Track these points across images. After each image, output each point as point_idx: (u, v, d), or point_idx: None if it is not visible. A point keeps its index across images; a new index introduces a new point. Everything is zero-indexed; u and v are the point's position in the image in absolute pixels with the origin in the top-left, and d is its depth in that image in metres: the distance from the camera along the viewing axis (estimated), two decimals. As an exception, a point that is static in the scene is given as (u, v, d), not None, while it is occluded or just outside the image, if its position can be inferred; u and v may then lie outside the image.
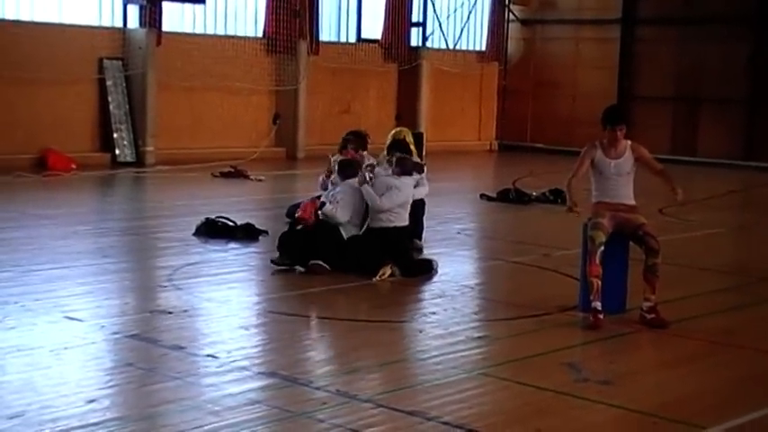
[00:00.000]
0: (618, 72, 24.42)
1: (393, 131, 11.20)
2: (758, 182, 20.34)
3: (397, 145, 10.33)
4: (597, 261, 7.65)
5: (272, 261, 9.32)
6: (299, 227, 9.48)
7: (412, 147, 10.65)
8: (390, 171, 9.63)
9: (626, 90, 24.29)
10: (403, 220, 9.46)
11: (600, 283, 7.61)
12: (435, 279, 9.38)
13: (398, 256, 9.23)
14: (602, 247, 7.66)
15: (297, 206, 10.47)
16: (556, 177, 16.97)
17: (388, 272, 9.05)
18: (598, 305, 7.58)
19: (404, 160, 9.71)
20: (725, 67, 22.89)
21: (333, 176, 10.02)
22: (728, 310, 8.57)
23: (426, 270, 9.38)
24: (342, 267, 9.11)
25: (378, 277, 8.96)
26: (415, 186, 10.08)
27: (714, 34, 22.88)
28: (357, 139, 10.56)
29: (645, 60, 24.13)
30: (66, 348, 6.53)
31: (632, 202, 7.92)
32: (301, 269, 9.14)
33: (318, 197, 9.93)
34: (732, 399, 6.19)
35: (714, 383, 6.45)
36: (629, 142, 7.92)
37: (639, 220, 7.83)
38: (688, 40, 23.41)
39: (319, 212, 9.45)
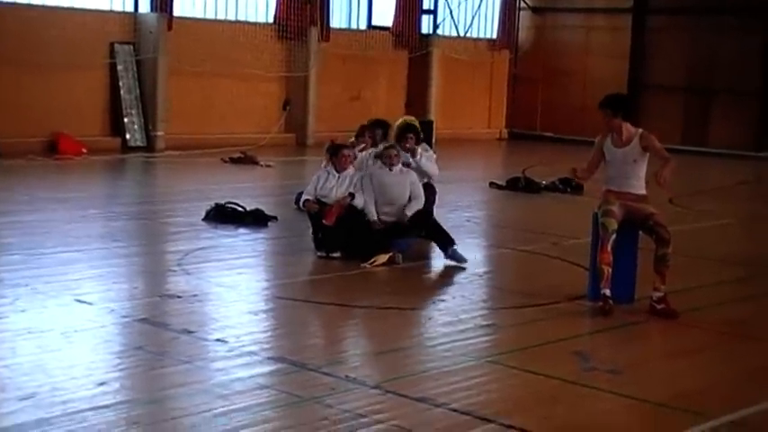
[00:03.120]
0: (629, 61, 24.32)
1: (399, 120, 11.23)
2: (769, 173, 20.28)
3: (405, 131, 10.31)
4: (609, 248, 7.63)
5: (319, 256, 9.26)
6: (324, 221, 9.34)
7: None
8: (385, 167, 9.54)
9: (637, 79, 24.18)
10: (393, 215, 9.40)
11: (610, 270, 7.60)
12: (444, 267, 9.38)
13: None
14: (615, 235, 7.65)
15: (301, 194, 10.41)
16: (566, 166, 16.84)
17: (381, 260, 9.00)
18: (607, 291, 7.58)
19: (383, 153, 9.64)
20: (737, 58, 22.76)
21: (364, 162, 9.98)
22: (739, 301, 8.55)
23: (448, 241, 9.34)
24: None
25: (368, 264, 8.92)
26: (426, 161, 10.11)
27: (727, 25, 22.75)
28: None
29: (656, 50, 24.01)
30: (76, 331, 6.56)
31: (642, 191, 7.89)
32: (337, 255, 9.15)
33: (321, 201, 9.61)
34: (742, 389, 6.18)
35: (724, 374, 6.44)
36: (640, 131, 7.87)
37: (649, 209, 7.81)
38: (700, 31, 23.28)
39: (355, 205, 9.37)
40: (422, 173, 10.09)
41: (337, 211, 9.26)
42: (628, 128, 7.87)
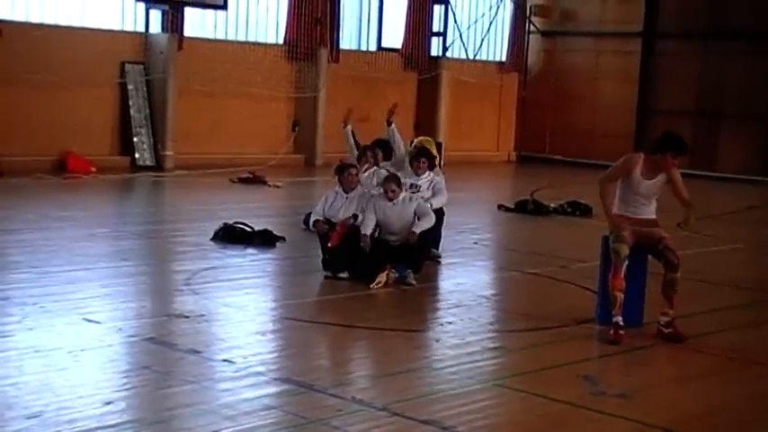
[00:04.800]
0: (638, 85, 24.37)
1: (417, 140, 11.31)
2: (778, 198, 20.24)
3: (420, 154, 10.37)
4: (622, 274, 7.60)
5: (326, 277, 9.27)
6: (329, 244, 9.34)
7: (436, 158, 10.70)
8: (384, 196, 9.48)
9: (646, 103, 24.23)
10: (398, 241, 9.35)
11: (623, 297, 7.57)
12: (452, 289, 9.38)
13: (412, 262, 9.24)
14: (627, 261, 7.62)
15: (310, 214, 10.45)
16: (574, 189, 16.97)
17: (383, 279, 9.00)
18: (620, 320, 7.53)
19: (383, 185, 9.62)
20: (746, 82, 22.79)
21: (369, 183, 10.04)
22: (746, 326, 8.52)
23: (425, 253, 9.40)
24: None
25: (374, 285, 8.93)
26: (432, 196, 10.08)
27: (736, 49, 22.80)
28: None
29: (665, 74, 24.05)
30: (83, 350, 6.57)
31: (653, 216, 7.88)
32: (345, 275, 9.16)
33: (329, 221, 9.60)
34: (748, 415, 6.15)
35: (730, 399, 6.41)
36: None
37: (660, 233, 7.79)
38: (709, 55, 23.33)
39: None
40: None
41: (340, 232, 9.26)
42: None
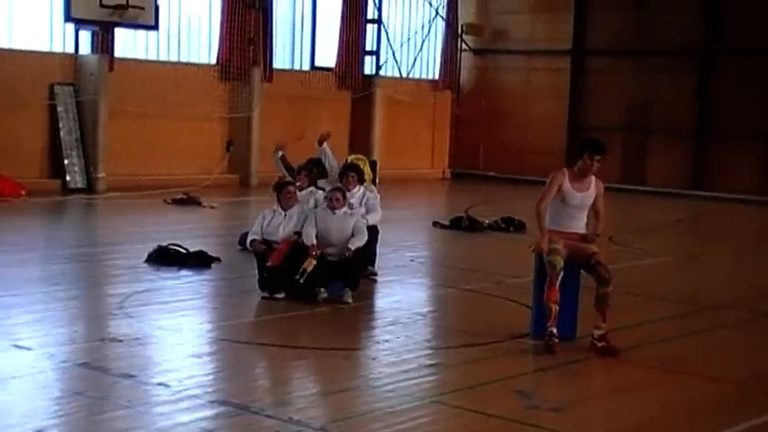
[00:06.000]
0: (568, 102, 24.74)
1: (350, 158, 11.37)
2: (705, 210, 20.67)
3: (348, 169, 10.46)
4: (557, 286, 7.70)
5: (263, 297, 9.21)
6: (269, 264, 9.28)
7: (367, 174, 10.76)
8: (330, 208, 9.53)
9: (576, 120, 24.60)
10: (335, 255, 9.38)
11: (557, 308, 7.67)
12: (388, 306, 9.39)
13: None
14: (562, 273, 7.72)
15: (247, 234, 10.40)
16: (508, 205, 17.14)
17: (310, 265, 8.96)
18: (554, 330, 7.65)
19: (328, 195, 9.66)
20: (673, 97, 23.27)
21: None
22: (678, 338, 8.67)
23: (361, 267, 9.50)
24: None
25: (299, 275, 8.91)
26: (365, 213, 10.12)
27: (663, 66, 23.27)
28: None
29: (595, 90, 24.46)
30: (13, 378, 6.43)
31: (584, 230, 8.02)
32: (281, 296, 9.12)
33: (267, 240, 9.56)
34: (683, 426, 6.25)
35: (665, 411, 6.50)
36: (593, 177, 7.98)
37: (591, 248, 7.90)
38: (637, 72, 23.78)
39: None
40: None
41: (283, 249, 9.22)
42: None
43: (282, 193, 9.58)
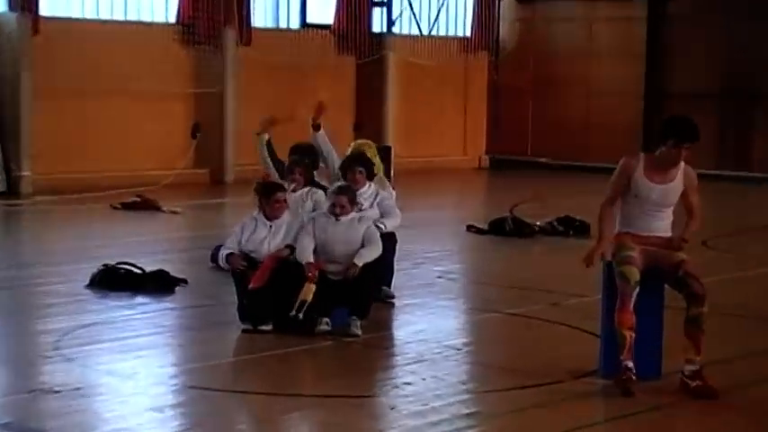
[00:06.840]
0: (645, 63, 24.70)
1: (352, 145, 11.33)
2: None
3: (354, 162, 10.42)
4: (631, 307, 7.70)
5: (244, 330, 9.28)
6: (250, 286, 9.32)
7: (376, 166, 10.78)
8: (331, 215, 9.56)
9: (656, 86, 24.57)
10: (338, 275, 9.45)
11: (633, 335, 7.67)
12: (410, 339, 9.42)
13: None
14: (638, 288, 7.73)
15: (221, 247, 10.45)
16: (567, 202, 17.14)
17: (308, 295, 9.03)
18: (630, 363, 7.64)
19: (331, 198, 9.70)
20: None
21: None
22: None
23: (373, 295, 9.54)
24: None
25: (295, 310, 8.99)
26: (380, 217, 10.14)
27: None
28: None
29: (681, 47, 24.40)
30: None
31: (669, 233, 8.00)
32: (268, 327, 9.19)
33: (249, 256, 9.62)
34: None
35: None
36: (683, 164, 7.98)
37: (678, 256, 7.89)
38: (737, 20, 23.70)
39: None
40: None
41: (270, 266, 9.24)
42: None
43: (270, 201, 9.56)
